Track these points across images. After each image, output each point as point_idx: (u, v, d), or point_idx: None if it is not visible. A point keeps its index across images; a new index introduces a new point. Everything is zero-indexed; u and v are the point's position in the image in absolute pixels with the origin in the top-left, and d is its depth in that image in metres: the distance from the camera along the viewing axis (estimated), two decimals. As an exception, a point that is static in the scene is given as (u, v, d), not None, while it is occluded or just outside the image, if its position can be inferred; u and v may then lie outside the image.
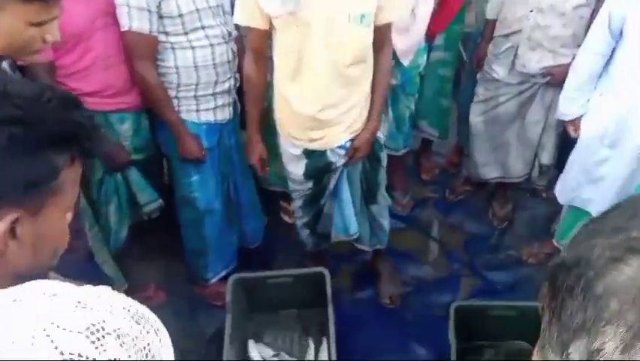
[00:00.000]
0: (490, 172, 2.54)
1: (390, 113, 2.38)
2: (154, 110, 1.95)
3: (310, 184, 1.98)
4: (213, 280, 2.35)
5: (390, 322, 2.34)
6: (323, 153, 1.88)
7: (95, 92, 1.80)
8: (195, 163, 2.01)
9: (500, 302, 2.12)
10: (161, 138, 2.04)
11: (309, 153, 1.89)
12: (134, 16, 1.73)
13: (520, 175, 2.51)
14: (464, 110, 2.57)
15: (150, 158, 2.13)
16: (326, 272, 2.12)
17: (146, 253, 2.50)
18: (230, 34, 1.91)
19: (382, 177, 2.11)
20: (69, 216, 0.73)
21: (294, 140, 1.87)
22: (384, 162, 2.08)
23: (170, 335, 2.13)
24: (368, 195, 2.11)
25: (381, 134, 2.00)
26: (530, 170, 2.50)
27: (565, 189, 2.16)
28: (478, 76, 2.39)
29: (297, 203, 2.13)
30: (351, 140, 1.88)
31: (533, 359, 0.37)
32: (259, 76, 1.81)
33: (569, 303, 0.35)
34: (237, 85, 2.01)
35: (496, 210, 2.71)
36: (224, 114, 2.00)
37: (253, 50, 1.77)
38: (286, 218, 2.74)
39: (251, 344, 2.12)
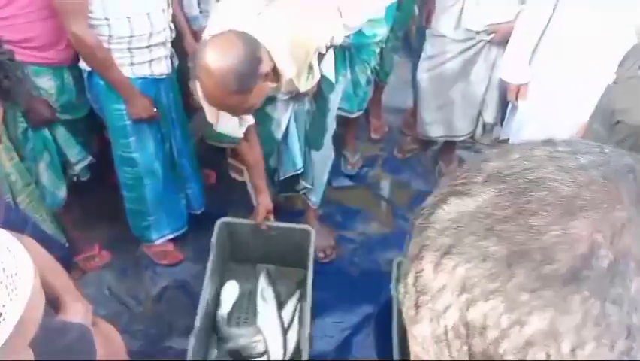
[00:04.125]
0: (436, 130, 2.57)
1: (348, 73, 2.35)
2: (96, 72, 1.84)
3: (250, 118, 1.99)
4: (158, 242, 2.32)
5: (337, 279, 2.39)
6: None
7: (15, 42, 1.69)
8: (148, 123, 1.96)
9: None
10: (94, 98, 1.95)
11: None
12: None
13: (465, 133, 2.56)
14: (416, 67, 2.57)
15: (82, 117, 2.05)
16: (312, 230, 2.05)
17: (90, 212, 2.45)
18: None
19: (330, 122, 2.13)
20: None
21: None
22: (333, 104, 2.10)
23: (116, 294, 2.11)
24: (313, 139, 2.13)
25: (331, 75, 2.00)
26: (475, 128, 2.55)
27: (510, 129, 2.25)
28: (427, 32, 2.38)
29: None
30: None
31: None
32: (257, 153, 1.91)
33: (412, 239, 0.42)
34: (173, 36, 1.94)
35: (441, 168, 2.77)
36: (161, 68, 1.92)
37: (246, 139, 1.84)
38: (236, 176, 2.71)
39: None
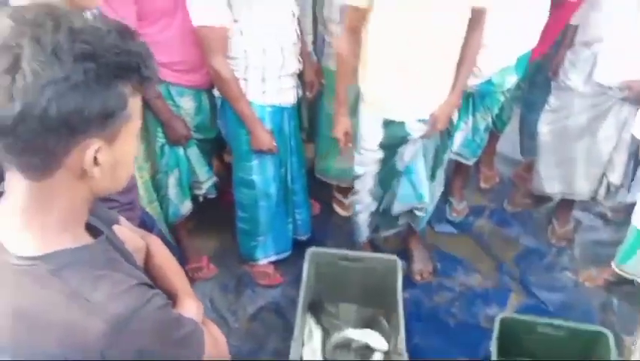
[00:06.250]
0: (552, 186, 2.44)
1: (470, 120, 2.37)
2: (228, 103, 1.97)
3: (381, 154, 2.02)
4: (262, 262, 2.41)
5: (432, 326, 2.31)
6: (402, 123, 1.93)
7: (166, 64, 1.89)
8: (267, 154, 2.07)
9: (548, 320, 2.04)
10: (223, 123, 2.10)
11: (388, 123, 1.94)
12: (205, 11, 1.77)
13: (585, 193, 2.40)
14: (528, 118, 2.49)
15: (211, 139, 2.21)
16: (398, 261, 2.03)
17: (204, 227, 2.60)
18: (294, 14, 1.95)
19: (447, 156, 2.19)
20: (135, 142, 0.82)
21: (379, 108, 1.91)
22: (452, 143, 2.14)
23: (217, 307, 2.23)
24: (430, 170, 2.14)
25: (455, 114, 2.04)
26: (597, 189, 2.38)
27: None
28: (552, 84, 2.30)
29: (367, 185, 2.13)
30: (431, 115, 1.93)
31: None
32: (354, 53, 1.86)
33: None
34: (301, 68, 2.05)
35: (555, 227, 2.60)
36: (289, 98, 2.04)
37: (350, 28, 1.82)
38: (339, 210, 2.77)
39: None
